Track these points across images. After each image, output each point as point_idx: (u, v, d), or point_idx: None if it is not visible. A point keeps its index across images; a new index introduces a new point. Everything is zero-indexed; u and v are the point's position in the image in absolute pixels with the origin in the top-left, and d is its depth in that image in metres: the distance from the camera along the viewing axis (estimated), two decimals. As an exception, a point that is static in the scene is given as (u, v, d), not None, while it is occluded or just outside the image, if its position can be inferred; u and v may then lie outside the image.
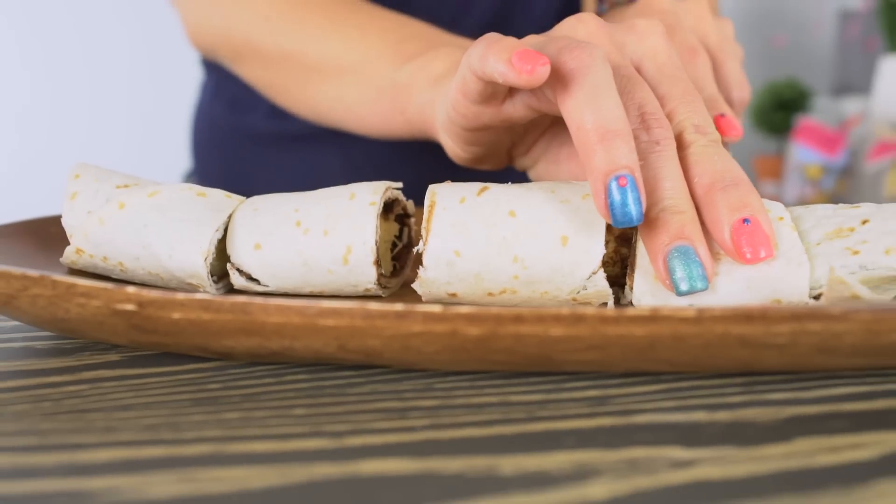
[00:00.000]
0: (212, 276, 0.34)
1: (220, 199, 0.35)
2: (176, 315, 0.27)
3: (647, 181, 0.29)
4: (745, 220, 0.29)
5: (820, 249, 0.29)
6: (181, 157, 1.15)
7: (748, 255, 0.28)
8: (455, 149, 0.41)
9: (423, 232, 0.31)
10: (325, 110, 0.53)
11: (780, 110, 1.79)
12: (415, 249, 0.33)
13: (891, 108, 1.51)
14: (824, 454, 0.22)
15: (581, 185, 0.32)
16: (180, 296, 0.27)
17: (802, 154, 1.64)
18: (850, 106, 1.74)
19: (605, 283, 0.30)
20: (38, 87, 1.73)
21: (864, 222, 0.30)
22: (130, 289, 0.27)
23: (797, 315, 0.24)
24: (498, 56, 0.29)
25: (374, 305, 0.25)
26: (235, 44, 0.55)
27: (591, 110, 0.28)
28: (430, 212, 0.31)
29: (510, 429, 0.24)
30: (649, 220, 0.29)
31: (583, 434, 0.23)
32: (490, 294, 0.31)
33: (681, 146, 0.31)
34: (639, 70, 0.34)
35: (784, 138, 1.81)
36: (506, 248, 0.30)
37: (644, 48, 0.35)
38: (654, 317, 0.24)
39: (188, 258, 0.33)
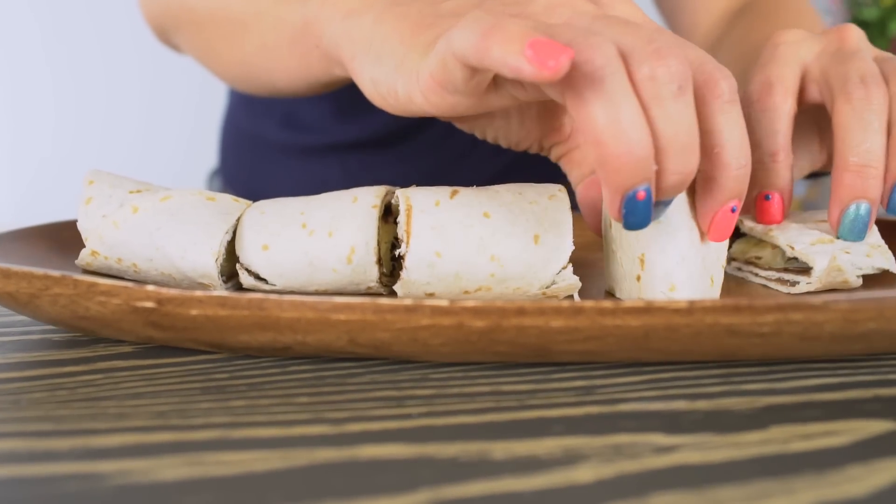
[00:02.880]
0: (221, 275, 0.34)
1: (228, 204, 0.35)
2: (194, 312, 0.26)
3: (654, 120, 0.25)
4: (732, 209, 0.28)
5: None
6: (208, 156, 1.16)
7: (714, 239, 0.29)
8: (388, 109, 0.34)
9: (405, 235, 0.30)
10: (252, 62, 0.49)
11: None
12: (396, 252, 0.32)
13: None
14: (798, 441, 0.21)
15: (545, 187, 0.32)
16: (198, 293, 0.26)
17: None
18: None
19: (574, 277, 0.30)
20: (64, 96, 1.72)
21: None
22: (150, 287, 0.26)
23: (781, 306, 0.24)
24: (506, 47, 0.23)
25: (384, 300, 0.25)
26: (173, 11, 0.54)
27: (610, 123, 0.24)
28: (409, 215, 0.30)
29: (502, 416, 0.23)
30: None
31: (570, 421, 0.23)
32: (466, 292, 0.30)
33: (705, 103, 0.27)
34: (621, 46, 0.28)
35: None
36: (483, 248, 0.29)
37: (617, 12, 0.29)
38: (648, 308, 0.24)
39: (199, 259, 0.32)
